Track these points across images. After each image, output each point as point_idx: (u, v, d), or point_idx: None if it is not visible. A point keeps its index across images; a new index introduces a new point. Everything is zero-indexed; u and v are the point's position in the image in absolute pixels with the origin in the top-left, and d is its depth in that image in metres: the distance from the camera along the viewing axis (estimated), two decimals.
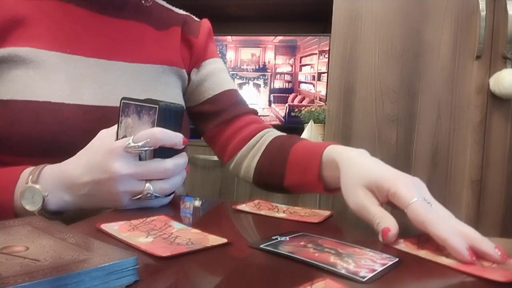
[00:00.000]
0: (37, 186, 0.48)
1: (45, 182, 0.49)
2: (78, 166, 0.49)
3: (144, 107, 0.49)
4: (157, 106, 0.48)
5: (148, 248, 0.35)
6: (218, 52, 0.82)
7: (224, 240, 0.38)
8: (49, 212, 0.48)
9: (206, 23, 0.80)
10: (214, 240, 0.38)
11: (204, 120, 0.76)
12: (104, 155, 0.47)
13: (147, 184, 0.48)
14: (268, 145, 0.69)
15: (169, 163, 0.49)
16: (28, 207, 0.48)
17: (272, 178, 0.66)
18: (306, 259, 0.34)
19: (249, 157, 0.71)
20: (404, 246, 0.40)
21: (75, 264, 0.27)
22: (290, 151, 0.64)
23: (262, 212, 0.52)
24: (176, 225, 0.42)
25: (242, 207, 0.54)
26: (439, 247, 0.38)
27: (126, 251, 0.30)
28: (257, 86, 1.67)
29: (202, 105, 0.75)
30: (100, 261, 0.27)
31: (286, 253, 0.35)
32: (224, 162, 0.76)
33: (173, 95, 0.70)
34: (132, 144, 0.46)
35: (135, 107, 0.49)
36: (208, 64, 0.77)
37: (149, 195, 0.48)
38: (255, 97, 1.66)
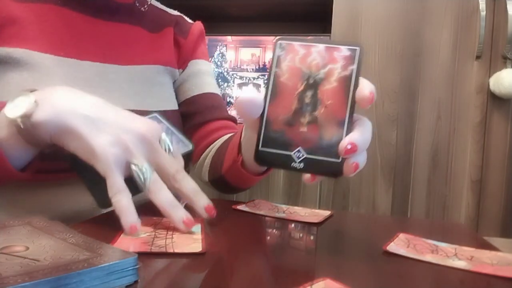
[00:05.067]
0: (31, 95, 0.42)
1: (47, 91, 0.43)
2: (108, 104, 0.45)
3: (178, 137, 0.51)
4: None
5: (119, 243, 0.37)
6: (209, 56, 0.81)
7: (199, 249, 0.37)
8: (33, 124, 0.41)
9: (197, 25, 0.79)
10: (190, 248, 0.37)
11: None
12: (146, 119, 0.46)
13: (146, 164, 0.43)
14: (221, 143, 0.69)
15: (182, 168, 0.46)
16: (10, 112, 0.41)
17: (216, 171, 0.65)
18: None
19: (207, 159, 0.71)
20: (405, 251, 0.40)
21: (75, 264, 0.27)
22: (232, 140, 0.61)
23: (262, 212, 0.52)
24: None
25: (242, 207, 0.54)
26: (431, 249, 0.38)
27: (126, 251, 0.30)
28: (257, 86, 1.67)
29: (180, 106, 0.74)
30: (100, 261, 0.27)
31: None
32: (192, 164, 0.76)
33: (168, 96, 0.70)
34: (168, 143, 0.45)
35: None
36: (194, 64, 0.76)
37: (144, 169, 0.42)
38: None
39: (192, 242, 0.39)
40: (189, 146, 0.51)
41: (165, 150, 0.45)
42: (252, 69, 1.68)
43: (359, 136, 0.36)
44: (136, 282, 0.28)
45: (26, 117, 0.41)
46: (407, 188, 1.31)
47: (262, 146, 0.37)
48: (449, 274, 0.34)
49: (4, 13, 0.56)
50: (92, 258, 0.28)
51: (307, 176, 0.39)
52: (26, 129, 0.41)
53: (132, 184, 0.41)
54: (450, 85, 1.28)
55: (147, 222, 0.43)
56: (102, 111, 0.44)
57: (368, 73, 1.32)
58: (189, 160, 0.50)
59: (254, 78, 1.68)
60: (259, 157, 0.38)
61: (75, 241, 0.32)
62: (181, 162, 0.46)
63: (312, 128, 0.36)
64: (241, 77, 1.68)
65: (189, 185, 0.45)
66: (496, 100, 1.26)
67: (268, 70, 0.38)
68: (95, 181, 0.43)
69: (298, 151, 0.37)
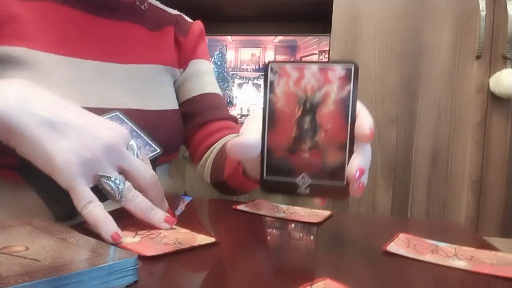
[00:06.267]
0: None
1: (1, 82, 0.39)
2: (73, 104, 0.41)
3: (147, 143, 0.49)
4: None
5: (133, 247, 0.35)
6: (209, 55, 0.81)
7: (212, 240, 0.38)
8: None
9: (197, 24, 0.79)
10: (202, 239, 0.38)
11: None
12: (112, 123, 0.43)
13: (117, 174, 0.41)
14: (222, 145, 0.69)
15: (155, 176, 0.44)
16: None
17: (218, 175, 0.65)
18: None
19: (209, 160, 0.71)
20: (405, 251, 0.40)
21: (75, 264, 0.27)
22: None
23: (262, 212, 0.52)
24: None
25: (242, 207, 0.54)
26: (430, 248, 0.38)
27: (126, 251, 0.30)
28: (257, 86, 1.67)
29: (181, 106, 0.74)
30: (100, 261, 0.27)
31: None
32: (194, 165, 0.76)
33: (168, 95, 0.70)
34: (136, 149, 0.43)
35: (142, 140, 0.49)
36: (194, 64, 0.76)
37: (117, 181, 0.39)
38: (255, 97, 1.66)
39: (192, 236, 0.39)
40: (156, 150, 0.48)
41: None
42: (252, 69, 1.68)
43: (363, 158, 0.36)
44: (136, 282, 0.28)
45: None
46: (407, 188, 1.31)
47: (266, 175, 0.38)
48: (449, 274, 0.34)
49: (4, 11, 0.55)
50: (92, 258, 0.28)
51: (317, 200, 0.39)
52: None
53: (97, 192, 0.39)
54: (450, 85, 1.28)
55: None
56: (64, 113, 0.39)
57: (368, 73, 1.32)
58: (155, 164, 0.49)
59: (254, 78, 1.68)
60: (265, 185, 0.38)
61: (75, 241, 0.32)
62: (150, 168, 0.44)
63: (314, 153, 0.36)
64: (241, 77, 1.68)
65: (158, 193, 0.43)
66: (496, 100, 1.26)
67: (263, 96, 0.37)
68: (49, 190, 0.39)
69: (303, 177, 0.37)
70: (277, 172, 0.37)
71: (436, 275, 0.34)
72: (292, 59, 1.64)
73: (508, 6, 1.21)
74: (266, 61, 1.56)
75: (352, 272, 0.34)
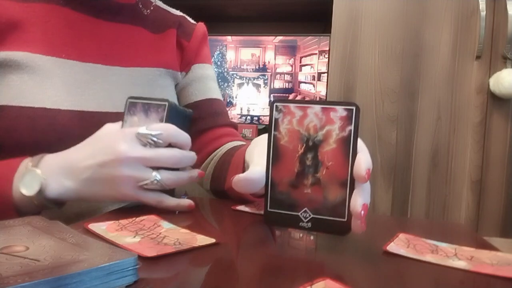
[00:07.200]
0: (37, 170, 0.47)
1: (45, 167, 0.48)
2: (82, 151, 0.49)
3: (152, 105, 0.50)
4: (166, 104, 0.49)
5: (134, 248, 0.35)
6: (211, 58, 0.81)
7: (212, 240, 0.38)
8: (49, 200, 0.47)
9: (201, 27, 0.79)
10: (202, 240, 0.38)
11: None
12: (111, 139, 0.47)
13: (154, 172, 0.47)
14: (223, 153, 0.69)
15: (176, 151, 0.49)
16: (25, 191, 0.46)
17: (218, 183, 0.65)
18: None
19: (209, 167, 0.70)
20: (405, 251, 0.40)
21: (75, 264, 0.27)
22: (234, 155, 0.62)
23: (262, 212, 0.52)
24: (165, 225, 0.42)
25: (242, 207, 0.54)
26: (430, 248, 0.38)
27: (126, 251, 0.30)
28: (257, 86, 1.67)
29: None
30: (100, 261, 0.27)
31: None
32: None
33: (169, 98, 0.70)
34: (145, 132, 0.47)
35: (142, 106, 0.50)
36: (197, 68, 0.76)
37: (155, 181, 0.47)
38: (255, 97, 1.66)
39: (192, 237, 0.39)
40: (164, 104, 0.50)
41: (149, 141, 0.47)
42: (252, 69, 1.68)
43: (364, 195, 0.37)
44: (136, 282, 0.28)
45: (39, 194, 0.46)
46: (407, 188, 1.31)
47: (270, 208, 0.39)
48: (449, 274, 0.34)
49: (5, 19, 0.55)
50: (92, 258, 0.28)
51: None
52: (41, 203, 0.47)
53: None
54: (450, 85, 1.28)
55: (115, 227, 0.42)
56: (91, 165, 0.47)
57: (368, 73, 1.32)
58: (178, 110, 0.52)
59: (254, 78, 1.68)
60: (268, 217, 0.39)
61: (75, 241, 0.32)
62: (168, 130, 0.48)
63: (315, 189, 0.37)
64: (241, 77, 1.68)
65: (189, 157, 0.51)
66: (496, 100, 1.26)
67: (267, 132, 0.40)
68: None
69: (305, 211, 0.38)
70: (280, 205, 0.39)
71: (436, 275, 0.34)
72: (292, 59, 1.64)
73: (508, 6, 1.21)
74: (267, 61, 1.54)
75: (352, 272, 0.34)
